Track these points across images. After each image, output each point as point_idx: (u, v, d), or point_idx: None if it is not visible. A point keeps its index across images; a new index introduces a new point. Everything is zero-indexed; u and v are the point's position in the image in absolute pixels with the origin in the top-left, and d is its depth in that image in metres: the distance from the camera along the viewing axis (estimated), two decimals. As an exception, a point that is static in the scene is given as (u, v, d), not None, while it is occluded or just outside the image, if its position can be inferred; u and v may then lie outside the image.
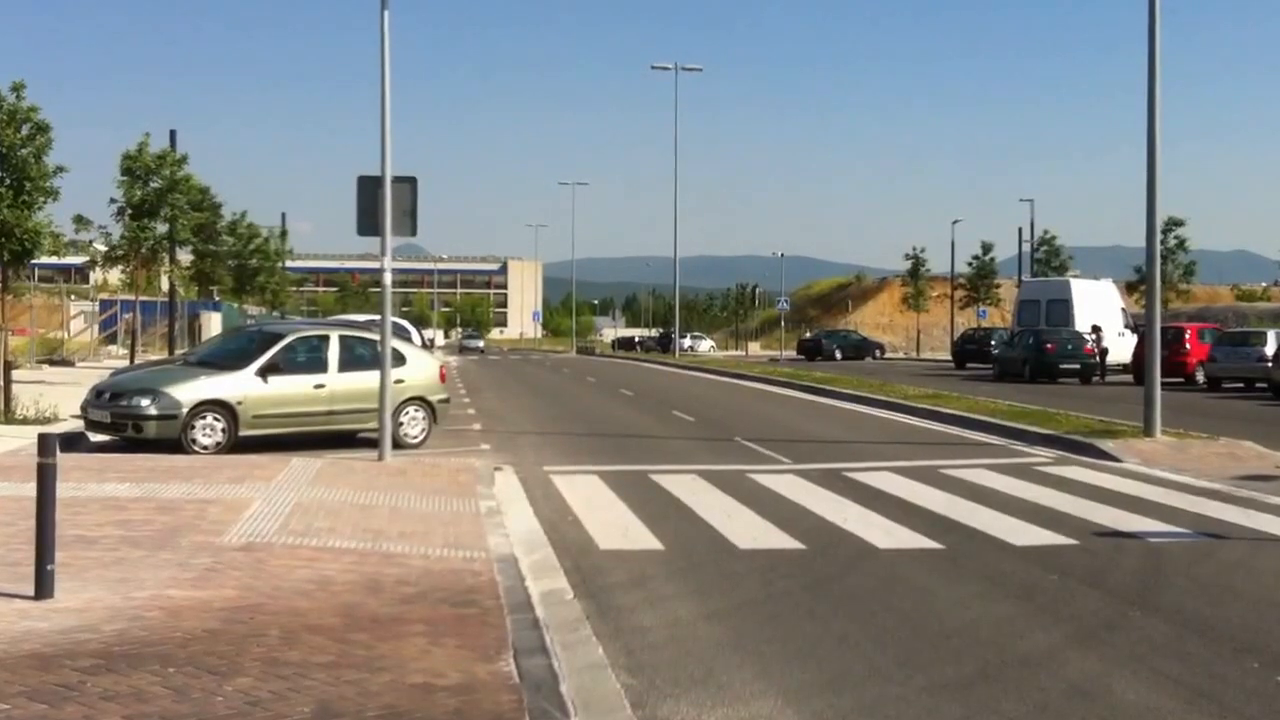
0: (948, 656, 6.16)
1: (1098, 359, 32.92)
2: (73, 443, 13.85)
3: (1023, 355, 33.71)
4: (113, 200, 25.11)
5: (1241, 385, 28.67)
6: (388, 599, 6.67)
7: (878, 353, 60.53)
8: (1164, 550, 8.96)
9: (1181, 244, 48.48)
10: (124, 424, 13.70)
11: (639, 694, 5.47)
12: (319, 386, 14.63)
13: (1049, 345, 33.03)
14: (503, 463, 13.52)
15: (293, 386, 14.43)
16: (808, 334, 67.19)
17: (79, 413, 14.75)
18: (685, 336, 74.90)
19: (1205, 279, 70.46)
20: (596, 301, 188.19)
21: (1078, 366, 32.61)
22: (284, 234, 47.99)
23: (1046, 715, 5.26)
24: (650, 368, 47.14)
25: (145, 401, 13.64)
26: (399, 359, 14.65)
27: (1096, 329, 34.02)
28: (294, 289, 70.58)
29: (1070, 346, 33.06)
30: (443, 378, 16.25)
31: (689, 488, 11.85)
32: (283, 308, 52.10)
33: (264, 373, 14.22)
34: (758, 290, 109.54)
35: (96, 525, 8.51)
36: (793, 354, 60.81)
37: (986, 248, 62.64)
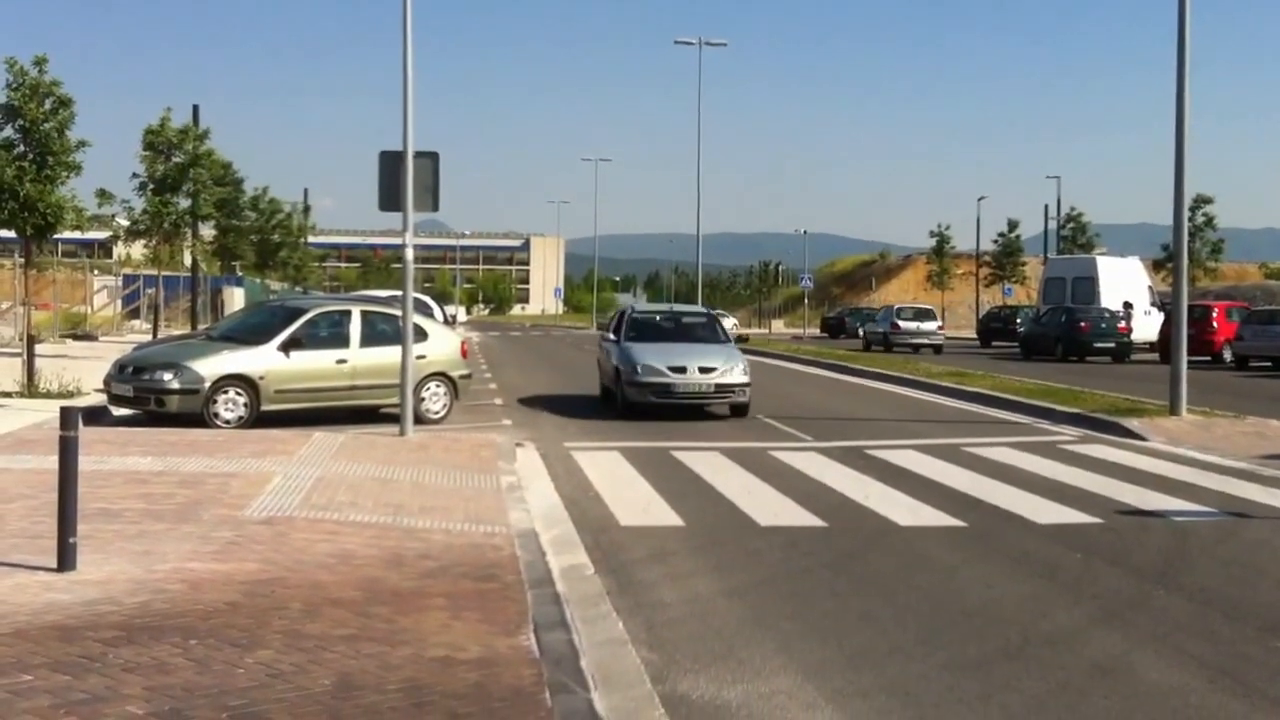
0: (969, 634, 6.11)
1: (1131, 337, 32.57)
2: (96, 416, 13.96)
3: (1055, 333, 33.22)
4: (135, 175, 25.20)
5: (1269, 364, 28.36)
6: (409, 573, 6.68)
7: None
8: (1188, 529, 8.88)
9: (1209, 221, 47.96)
10: (146, 398, 13.77)
11: (659, 669, 5.46)
12: (341, 361, 14.66)
13: (1083, 324, 32.57)
14: (524, 438, 13.53)
15: (315, 361, 14.47)
16: (831, 312, 66.88)
17: (102, 387, 14.84)
18: (707, 314, 74.39)
19: (1233, 257, 69.62)
20: (619, 278, 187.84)
21: (1112, 345, 32.19)
22: (306, 209, 48.13)
23: (1068, 694, 5.22)
24: (671, 344, 46.85)
25: (168, 376, 13.70)
26: (421, 334, 14.66)
27: (1128, 305, 33.64)
28: (316, 264, 70.54)
29: (1104, 325, 32.62)
30: (464, 353, 16.27)
31: (710, 464, 11.83)
32: (305, 283, 52.22)
33: (286, 347, 14.26)
34: (781, 268, 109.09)
35: (119, 498, 8.55)
36: (816, 332, 60.57)
37: (1012, 225, 62.13)
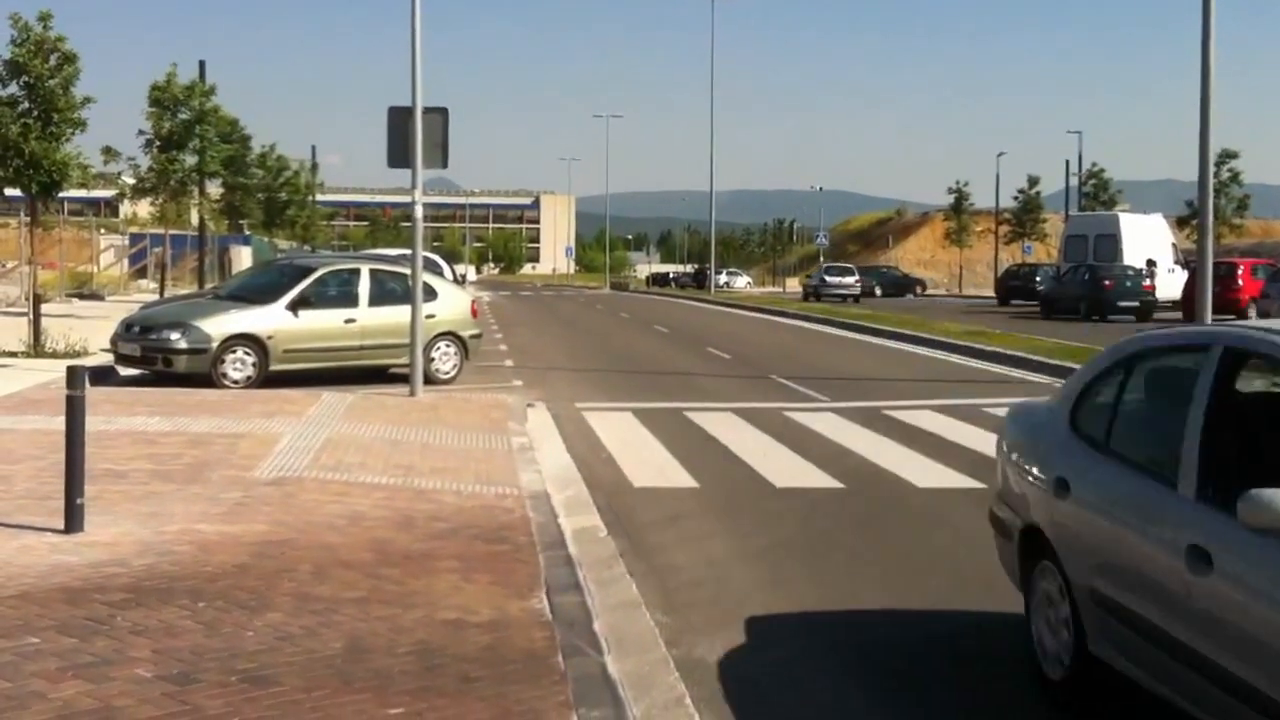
0: (990, 598, 5.98)
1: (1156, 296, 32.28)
2: (103, 376, 13.89)
3: (1078, 292, 32.87)
4: (141, 132, 24.96)
5: (1295, 322, 28.01)
6: (419, 535, 6.58)
7: (918, 289, 59.85)
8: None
9: (1235, 177, 47.28)
10: (154, 358, 13.70)
11: (674, 632, 5.36)
12: (350, 321, 14.54)
13: (1106, 282, 32.24)
14: (535, 399, 13.41)
15: (323, 321, 14.35)
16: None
17: (109, 346, 14.77)
18: (721, 272, 74.24)
19: (1259, 213, 68.79)
20: (630, 237, 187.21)
21: (1136, 304, 31.89)
22: (314, 167, 47.79)
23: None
24: (685, 304, 46.92)
25: (175, 335, 13.61)
26: (430, 294, 14.51)
27: (1151, 263, 33.25)
28: (325, 223, 70.24)
29: (1128, 283, 32.31)
30: (474, 313, 16.14)
31: (725, 425, 11.70)
32: (313, 242, 51.99)
33: (294, 307, 14.15)
34: (795, 225, 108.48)
35: (126, 459, 8.48)
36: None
37: (1032, 181, 61.34)
